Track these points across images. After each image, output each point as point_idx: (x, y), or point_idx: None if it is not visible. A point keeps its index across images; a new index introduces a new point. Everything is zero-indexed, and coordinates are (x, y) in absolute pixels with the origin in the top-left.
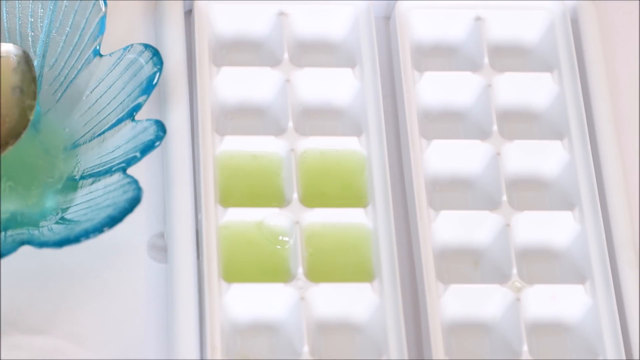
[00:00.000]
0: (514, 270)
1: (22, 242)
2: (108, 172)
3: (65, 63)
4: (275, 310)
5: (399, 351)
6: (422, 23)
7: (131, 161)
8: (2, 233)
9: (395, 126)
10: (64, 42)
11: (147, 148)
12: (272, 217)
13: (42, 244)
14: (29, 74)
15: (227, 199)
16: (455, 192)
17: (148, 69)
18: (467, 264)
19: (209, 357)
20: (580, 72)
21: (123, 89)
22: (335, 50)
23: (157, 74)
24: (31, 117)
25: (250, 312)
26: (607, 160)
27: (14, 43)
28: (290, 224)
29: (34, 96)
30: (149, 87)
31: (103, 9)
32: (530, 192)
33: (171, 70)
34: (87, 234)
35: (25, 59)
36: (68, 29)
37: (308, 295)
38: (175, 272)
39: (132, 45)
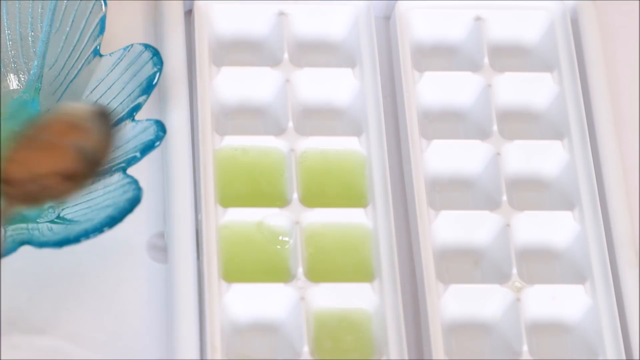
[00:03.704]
0: (514, 270)
1: (22, 242)
2: (108, 172)
3: (65, 63)
4: (275, 310)
5: (399, 351)
6: (422, 23)
7: (131, 161)
8: (2, 232)
9: (395, 126)
10: (64, 42)
11: (147, 148)
12: (272, 217)
13: (42, 244)
14: (102, 136)
15: (227, 199)
16: (455, 192)
17: (148, 69)
18: (467, 264)
19: (209, 357)
20: (580, 72)
21: (123, 89)
22: (335, 50)
23: (157, 74)
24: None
25: (250, 312)
26: (607, 160)
27: (14, 43)
28: (290, 224)
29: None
30: (149, 87)
31: (103, 9)
32: (530, 192)
33: (171, 70)
34: (87, 234)
35: (101, 120)
36: (68, 29)
37: (308, 295)
38: (175, 272)
39: (132, 45)
